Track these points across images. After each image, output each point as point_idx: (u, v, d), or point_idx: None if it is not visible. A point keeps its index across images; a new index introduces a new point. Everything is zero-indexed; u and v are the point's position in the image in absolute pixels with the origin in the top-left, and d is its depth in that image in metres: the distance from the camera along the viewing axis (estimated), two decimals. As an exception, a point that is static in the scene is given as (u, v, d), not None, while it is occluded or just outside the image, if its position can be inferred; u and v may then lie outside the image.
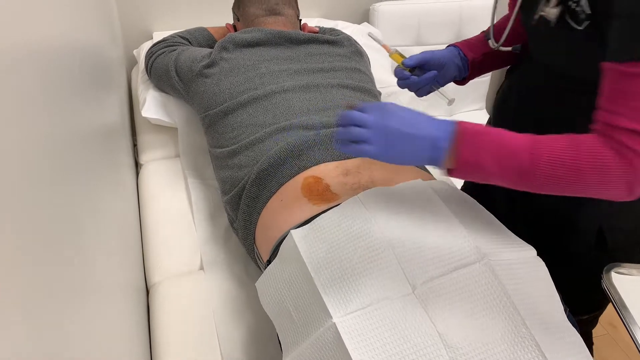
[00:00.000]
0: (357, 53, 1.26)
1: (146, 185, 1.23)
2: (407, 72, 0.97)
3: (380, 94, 1.25)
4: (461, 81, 1.06)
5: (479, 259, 0.78)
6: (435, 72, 0.97)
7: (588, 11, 0.71)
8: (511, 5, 0.97)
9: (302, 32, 1.23)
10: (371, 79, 1.25)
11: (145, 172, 1.27)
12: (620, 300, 0.80)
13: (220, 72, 1.13)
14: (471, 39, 1.06)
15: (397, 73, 0.98)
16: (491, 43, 0.98)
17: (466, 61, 1.02)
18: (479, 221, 0.87)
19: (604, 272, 0.83)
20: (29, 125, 0.46)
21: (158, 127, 1.35)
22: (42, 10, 0.60)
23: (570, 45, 0.79)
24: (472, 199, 0.94)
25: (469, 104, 2.00)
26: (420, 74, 0.97)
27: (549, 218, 0.97)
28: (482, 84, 1.98)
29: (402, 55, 1.00)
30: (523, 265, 0.81)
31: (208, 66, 1.14)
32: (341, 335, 0.71)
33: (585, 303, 1.01)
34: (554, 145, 0.70)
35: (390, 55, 1.02)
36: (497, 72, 2.14)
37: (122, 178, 1.08)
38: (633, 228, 0.95)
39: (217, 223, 1.12)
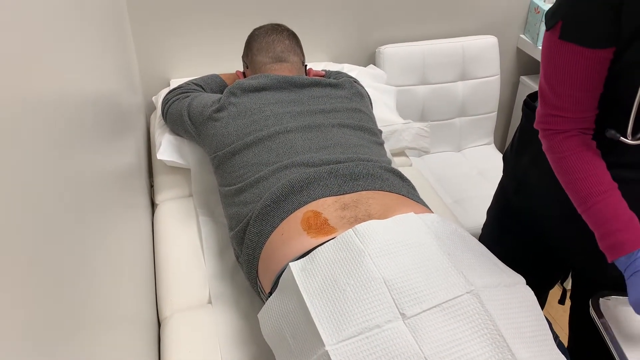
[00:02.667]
0: (358, 94, 1.32)
1: (161, 224, 1.30)
2: None
3: (381, 132, 1.31)
4: None
5: (468, 289, 0.81)
6: None
7: None
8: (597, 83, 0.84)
9: (305, 77, 1.30)
10: (372, 118, 1.31)
11: (160, 211, 1.35)
12: (608, 328, 0.82)
13: (228, 116, 1.20)
14: (601, 207, 0.85)
15: None
16: (628, 140, 0.84)
17: None
18: (469, 252, 0.91)
19: (590, 301, 0.85)
20: (47, 169, 0.53)
21: (173, 169, 1.43)
22: (68, 64, 0.69)
23: None
24: (464, 230, 0.98)
25: (476, 139, 2.05)
26: None
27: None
28: (490, 120, 2.03)
29: None
30: (511, 294, 0.84)
31: (217, 110, 1.22)
32: (333, 362, 0.74)
33: None
34: None
35: None
36: (504, 106, 2.19)
37: (137, 217, 1.15)
38: None
39: (225, 258, 1.18)
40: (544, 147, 0.91)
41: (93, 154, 0.77)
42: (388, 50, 1.87)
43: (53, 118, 0.57)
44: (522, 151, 1.09)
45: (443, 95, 1.94)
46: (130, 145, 1.21)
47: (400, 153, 1.59)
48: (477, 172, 1.90)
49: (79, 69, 0.76)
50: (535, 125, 0.92)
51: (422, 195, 1.14)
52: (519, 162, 1.10)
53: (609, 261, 0.84)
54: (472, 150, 2.03)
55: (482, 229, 1.31)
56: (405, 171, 1.50)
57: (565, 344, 1.20)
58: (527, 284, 0.90)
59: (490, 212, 1.28)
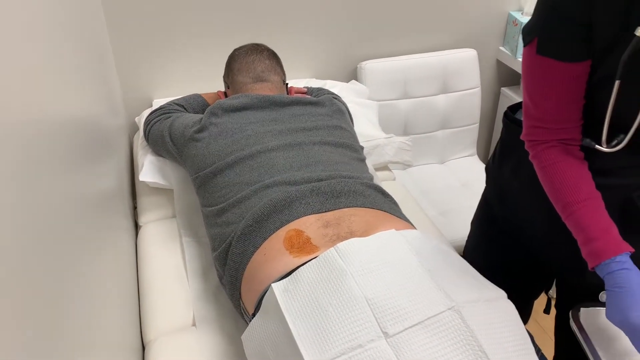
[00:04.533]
0: (339, 111, 1.33)
1: (144, 245, 1.30)
2: None
3: (362, 148, 1.32)
4: None
5: (449, 306, 0.82)
6: None
7: None
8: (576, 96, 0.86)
9: (286, 96, 1.31)
10: (352, 135, 1.32)
11: (143, 233, 1.34)
12: (587, 339, 0.83)
13: (209, 136, 1.21)
14: (585, 216, 0.86)
15: None
16: (603, 148, 0.86)
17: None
18: (451, 268, 0.91)
19: (571, 312, 0.86)
20: (24, 194, 0.52)
21: (156, 190, 1.43)
22: (46, 87, 0.69)
23: None
24: (446, 246, 0.98)
25: (459, 151, 2.06)
26: None
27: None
28: (472, 132, 2.05)
29: None
30: (492, 309, 0.85)
31: (199, 131, 1.23)
32: (316, 383, 0.74)
33: None
34: None
35: None
36: (485, 118, 2.22)
37: (119, 240, 1.15)
38: None
39: (209, 280, 1.17)
40: (530, 157, 0.93)
41: (71, 177, 0.76)
42: (369, 66, 1.89)
43: (30, 142, 0.57)
44: (503, 162, 1.10)
45: (425, 108, 1.96)
46: (111, 168, 1.21)
47: (384, 167, 1.60)
48: (460, 183, 1.91)
49: (57, 92, 0.77)
50: (521, 137, 0.94)
51: (405, 209, 1.15)
52: (500, 173, 1.11)
53: (590, 269, 0.85)
54: (456, 162, 2.05)
55: (467, 240, 1.32)
56: (389, 185, 1.52)
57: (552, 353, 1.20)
58: (512, 293, 0.91)
59: (474, 222, 1.29)
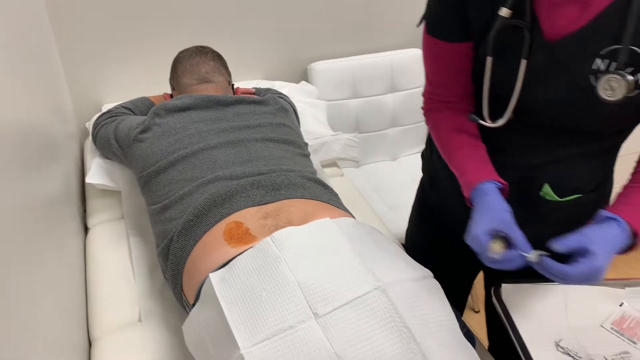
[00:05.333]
0: (282, 109, 1.37)
1: (93, 247, 1.31)
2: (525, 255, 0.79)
3: (306, 144, 1.36)
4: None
5: (377, 286, 0.86)
6: None
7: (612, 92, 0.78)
8: (460, 73, 0.95)
9: (230, 95, 1.34)
10: (296, 132, 1.36)
11: (92, 234, 1.35)
12: (507, 313, 0.88)
13: (153, 136, 1.23)
14: (465, 154, 0.95)
15: (509, 258, 0.79)
16: (486, 123, 0.92)
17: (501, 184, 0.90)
18: (381, 251, 0.95)
19: (493, 290, 0.92)
20: None
21: (106, 192, 1.44)
22: None
23: (605, 111, 0.82)
24: (377, 231, 1.03)
25: (409, 148, 2.13)
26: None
27: None
28: (420, 129, 2.11)
29: (499, 242, 0.80)
30: (418, 287, 0.89)
31: (142, 132, 1.25)
32: (248, 364, 0.77)
33: None
34: None
35: (495, 251, 0.79)
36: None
37: (66, 243, 1.16)
38: None
39: (155, 277, 1.19)
40: (427, 124, 1.03)
41: (12, 184, 0.77)
42: (319, 67, 1.93)
43: None
44: (432, 149, 1.17)
45: (374, 107, 2.02)
46: (58, 173, 1.22)
47: (332, 164, 1.65)
48: (410, 179, 1.97)
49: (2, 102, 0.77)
50: (422, 108, 1.05)
51: (351, 203, 1.19)
52: (431, 159, 1.18)
53: (467, 204, 0.91)
54: (406, 158, 2.11)
55: (408, 221, 1.38)
56: (337, 181, 1.56)
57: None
58: (446, 272, 0.96)
59: (413, 206, 1.36)
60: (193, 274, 0.99)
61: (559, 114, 0.87)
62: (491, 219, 0.82)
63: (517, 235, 0.79)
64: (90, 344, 1.11)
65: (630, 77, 0.75)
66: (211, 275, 0.91)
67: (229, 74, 1.47)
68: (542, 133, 0.92)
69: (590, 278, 0.74)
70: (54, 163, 1.19)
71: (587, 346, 0.87)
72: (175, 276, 1.03)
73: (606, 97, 0.78)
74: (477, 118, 0.93)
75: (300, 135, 1.37)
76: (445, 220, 1.17)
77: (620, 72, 0.76)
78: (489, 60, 0.86)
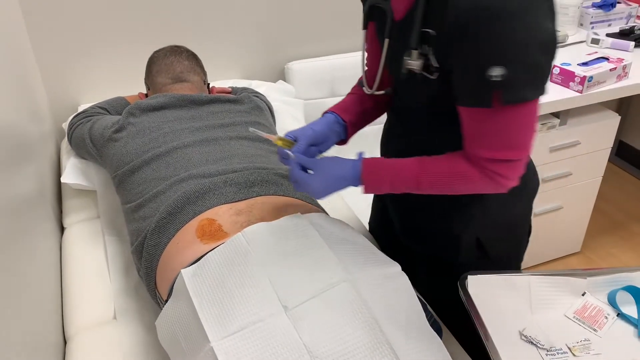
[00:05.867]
0: (257, 108, 1.39)
1: (68, 246, 1.31)
2: (288, 152, 0.99)
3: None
4: (341, 142, 1.11)
5: (345, 278, 0.88)
6: (315, 148, 1.04)
7: (436, 65, 0.85)
8: (373, 55, 1.09)
9: (204, 94, 1.35)
10: (271, 130, 1.37)
11: (68, 234, 1.35)
12: (472, 306, 0.90)
13: (127, 136, 1.24)
14: (345, 100, 1.13)
15: (280, 153, 0.99)
16: (366, 89, 1.08)
17: (344, 126, 1.09)
18: (350, 245, 0.97)
19: (459, 282, 0.94)
20: None
21: (81, 192, 1.44)
22: None
23: (430, 90, 0.91)
24: (347, 225, 1.05)
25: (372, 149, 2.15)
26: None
27: (435, 235, 1.10)
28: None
29: (286, 140, 1.00)
30: (386, 280, 0.91)
31: (117, 131, 1.25)
32: (217, 357, 0.78)
33: None
34: (436, 170, 0.89)
35: (275, 142, 1.00)
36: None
37: (41, 242, 1.16)
38: (510, 237, 1.09)
39: (130, 275, 1.20)
40: (473, 179, 0.99)
41: None
42: (296, 66, 1.95)
43: None
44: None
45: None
46: (31, 174, 1.22)
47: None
48: (388, 176, 2.00)
49: None
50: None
51: (328, 200, 1.20)
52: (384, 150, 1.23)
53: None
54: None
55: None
56: (313, 179, 1.58)
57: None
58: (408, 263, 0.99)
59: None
60: (166, 271, 1.00)
61: (403, 90, 1.00)
62: (300, 129, 1.02)
63: (301, 142, 0.99)
64: (65, 342, 1.11)
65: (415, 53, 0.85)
66: (183, 271, 0.92)
67: (204, 73, 1.48)
68: (410, 112, 1.02)
69: (306, 189, 0.94)
70: (27, 163, 1.19)
71: (550, 334, 0.90)
72: (149, 273, 1.04)
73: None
74: (362, 87, 1.09)
75: (275, 133, 1.38)
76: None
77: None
78: (363, 33, 1.03)
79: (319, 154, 1.08)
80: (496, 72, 0.75)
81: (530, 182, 1.08)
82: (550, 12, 0.77)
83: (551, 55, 0.78)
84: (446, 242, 1.08)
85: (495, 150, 0.84)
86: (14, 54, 1.33)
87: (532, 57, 0.76)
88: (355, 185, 0.95)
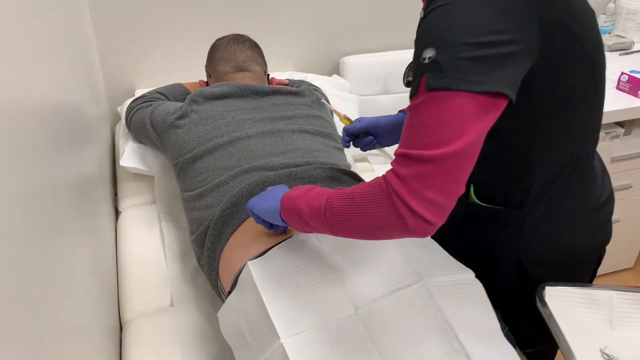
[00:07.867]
0: (318, 101, 1.36)
1: (124, 230, 1.31)
2: (347, 137, 1.10)
3: (340, 137, 1.34)
4: None
5: (417, 281, 0.85)
6: (372, 138, 1.09)
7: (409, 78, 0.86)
8: None
9: (267, 85, 1.33)
10: (331, 125, 1.35)
11: (123, 218, 1.35)
12: (551, 316, 0.86)
13: (190, 123, 1.22)
14: None
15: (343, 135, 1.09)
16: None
17: None
18: (421, 248, 0.94)
19: (537, 290, 0.90)
20: (3, 181, 0.53)
21: (137, 176, 1.44)
22: (31, 76, 0.70)
23: None
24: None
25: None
26: (364, 137, 1.11)
27: (474, 252, 0.99)
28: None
29: (350, 120, 1.10)
30: (460, 287, 0.88)
31: (179, 118, 1.24)
32: (288, 354, 0.76)
33: (522, 334, 1.01)
34: (345, 192, 0.77)
35: (340, 120, 1.12)
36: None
37: (99, 225, 1.16)
38: (553, 259, 0.96)
39: (187, 262, 1.19)
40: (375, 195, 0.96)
41: (49, 164, 0.77)
42: (351, 61, 1.92)
43: (9, 130, 0.57)
44: None
45: (405, 104, 1.98)
46: (91, 155, 1.22)
47: (363, 159, 1.63)
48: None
49: (40, 81, 0.77)
50: None
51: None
52: None
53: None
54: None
55: None
56: (368, 176, 1.55)
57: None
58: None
59: None
60: (230, 262, 0.98)
61: None
62: (370, 117, 1.08)
63: (356, 125, 1.07)
64: (121, 327, 1.11)
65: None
66: (249, 263, 0.91)
67: (265, 64, 1.46)
68: None
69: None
70: (88, 145, 1.19)
71: (634, 354, 0.85)
72: (211, 263, 1.02)
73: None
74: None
75: (335, 128, 1.35)
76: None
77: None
78: None
79: (376, 144, 1.11)
80: (427, 53, 0.69)
81: (589, 196, 0.94)
82: (492, 4, 0.69)
83: (486, 51, 0.68)
84: (482, 260, 0.97)
85: (406, 147, 0.70)
86: (78, 37, 1.33)
87: (462, 45, 0.68)
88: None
